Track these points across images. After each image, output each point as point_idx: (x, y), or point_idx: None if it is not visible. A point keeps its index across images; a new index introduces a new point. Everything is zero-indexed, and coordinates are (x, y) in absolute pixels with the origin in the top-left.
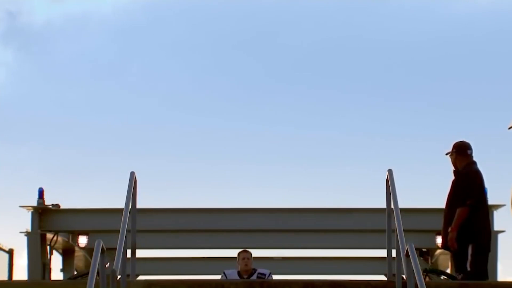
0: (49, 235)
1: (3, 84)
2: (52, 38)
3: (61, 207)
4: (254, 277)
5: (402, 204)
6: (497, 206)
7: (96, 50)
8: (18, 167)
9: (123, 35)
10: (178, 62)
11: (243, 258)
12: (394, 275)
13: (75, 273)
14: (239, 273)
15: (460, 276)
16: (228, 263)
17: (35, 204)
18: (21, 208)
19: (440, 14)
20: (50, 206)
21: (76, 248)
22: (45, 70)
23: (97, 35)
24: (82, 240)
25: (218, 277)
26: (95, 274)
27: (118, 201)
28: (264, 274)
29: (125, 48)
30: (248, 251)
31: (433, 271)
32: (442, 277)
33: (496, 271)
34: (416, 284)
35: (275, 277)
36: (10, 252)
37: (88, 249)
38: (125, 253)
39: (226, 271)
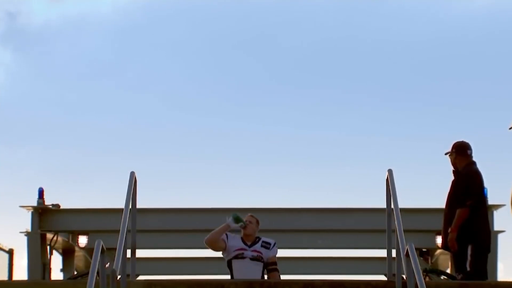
0: (49, 235)
1: (2, 84)
2: (51, 38)
3: (61, 207)
4: (258, 245)
5: (402, 204)
6: (497, 206)
7: (95, 51)
8: (18, 167)
9: (122, 35)
10: (178, 62)
11: (246, 221)
12: (394, 275)
13: (75, 273)
14: (242, 239)
15: (460, 276)
16: None
17: (35, 204)
18: (21, 208)
19: (440, 14)
20: (50, 206)
21: (76, 248)
22: (45, 70)
23: (96, 35)
24: (82, 240)
25: (218, 277)
26: (95, 274)
27: (118, 201)
28: (269, 243)
29: (125, 48)
30: (253, 216)
31: (433, 271)
32: (442, 277)
33: (496, 271)
34: (416, 284)
35: None
36: (10, 252)
37: (88, 249)
38: (125, 253)
39: (229, 234)
